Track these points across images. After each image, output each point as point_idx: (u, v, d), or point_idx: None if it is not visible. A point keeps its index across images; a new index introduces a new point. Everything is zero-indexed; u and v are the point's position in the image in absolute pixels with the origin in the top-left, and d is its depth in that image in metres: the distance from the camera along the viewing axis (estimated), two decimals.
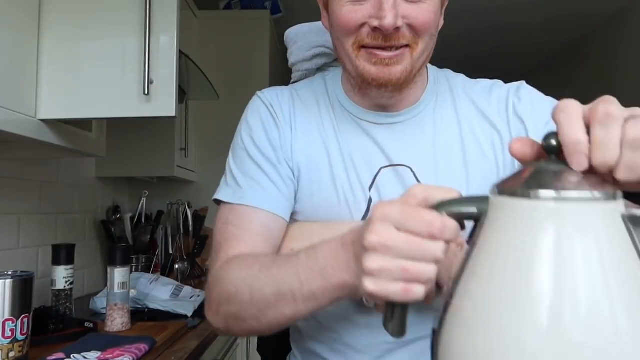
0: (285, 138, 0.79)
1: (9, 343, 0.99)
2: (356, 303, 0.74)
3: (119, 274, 1.33)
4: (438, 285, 0.58)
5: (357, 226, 0.54)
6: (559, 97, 0.80)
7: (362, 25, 0.70)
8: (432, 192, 0.48)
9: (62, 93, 1.17)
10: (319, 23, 0.91)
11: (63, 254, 1.39)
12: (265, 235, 0.74)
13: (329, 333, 0.79)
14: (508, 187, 0.42)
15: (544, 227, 0.38)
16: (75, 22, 1.18)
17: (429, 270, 0.46)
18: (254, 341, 1.80)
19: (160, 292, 1.64)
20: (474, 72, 0.90)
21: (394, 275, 0.46)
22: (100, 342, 1.16)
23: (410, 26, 0.69)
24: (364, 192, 0.76)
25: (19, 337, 1.01)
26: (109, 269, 1.34)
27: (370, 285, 0.47)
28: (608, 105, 0.40)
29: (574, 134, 0.40)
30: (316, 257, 0.58)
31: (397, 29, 0.68)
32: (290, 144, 0.79)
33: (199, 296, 1.68)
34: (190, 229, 2.31)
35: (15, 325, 1.00)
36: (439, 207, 0.46)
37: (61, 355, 1.07)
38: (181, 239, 2.28)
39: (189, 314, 1.55)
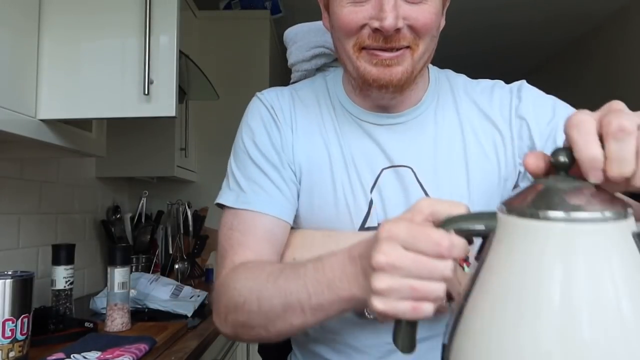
0: (286, 140, 0.79)
1: (9, 343, 0.99)
2: (358, 314, 0.74)
3: (119, 274, 1.33)
4: (449, 296, 0.58)
5: (362, 238, 0.54)
6: (559, 96, 0.80)
7: (363, 26, 0.69)
8: (439, 206, 0.48)
9: (62, 93, 1.16)
10: (318, 23, 0.91)
11: (63, 254, 1.39)
12: (270, 240, 0.74)
13: (330, 334, 0.78)
14: (517, 206, 0.41)
15: (554, 248, 0.38)
16: (75, 22, 1.18)
17: (438, 289, 0.46)
18: None
19: (160, 292, 1.64)
20: (474, 71, 0.90)
21: (402, 294, 0.46)
22: (100, 342, 1.16)
23: (411, 27, 0.69)
24: (364, 194, 0.76)
25: (19, 337, 1.01)
26: (109, 269, 1.34)
27: (380, 304, 0.48)
28: (621, 118, 0.40)
29: (591, 152, 0.40)
30: (324, 270, 0.58)
31: (398, 30, 0.68)
32: (292, 145, 0.79)
33: (199, 296, 1.68)
34: (190, 229, 2.31)
35: (15, 325, 1.00)
36: (446, 224, 0.46)
37: (61, 355, 1.07)
38: (181, 239, 2.28)
39: (189, 314, 1.55)
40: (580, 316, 0.36)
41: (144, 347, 1.15)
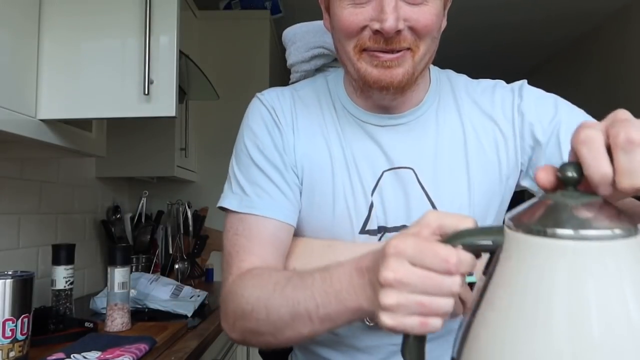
0: (288, 141, 0.78)
1: (9, 343, 0.99)
2: (359, 322, 0.74)
3: (119, 274, 1.33)
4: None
5: (363, 249, 0.55)
6: (560, 95, 0.80)
7: (364, 28, 0.69)
8: (446, 220, 0.48)
9: (62, 93, 1.16)
10: (317, 23, 0.91)
11: (63, 254, 1.39)
12: (275, 244, 0.74)
13: (332, 335, 0.78)
14: (525, 223, 0.41)
15: (564, 266, 0.37)
16: (75, 22, 1.18)
17: (446, 304, 0.46)
18: None
19: (160, 292, 1.64)
20: (474, 71, 0.90)
21: (411, 310, 0.47)
22: (100, 342, 1.16)
23: (412, 29, 0.69)
24: (365, 197, 0.76)
25: (19, 337, 1.01)
26: (109, 269, 1.34)
27: (388, 320, 0.48)
28: (628, 129, 0.40)
29: (602, 170, 0.40)
30: (331, 281, 0.58)
31: (399, 32, 0.68)
32: (293, 147, 0.78)
33: (199, 296, 1.68)
34: (190, 228, 2.31)
35: (15, 325, 1.00)
36: (454, 239, 0.46)
37: (61, 355, 1.07)
38: (181, 239, 2.28)
39: (189, 314, 1.55)
40: (591, 335, 0.36)
41: (144, 347, 1.15)
